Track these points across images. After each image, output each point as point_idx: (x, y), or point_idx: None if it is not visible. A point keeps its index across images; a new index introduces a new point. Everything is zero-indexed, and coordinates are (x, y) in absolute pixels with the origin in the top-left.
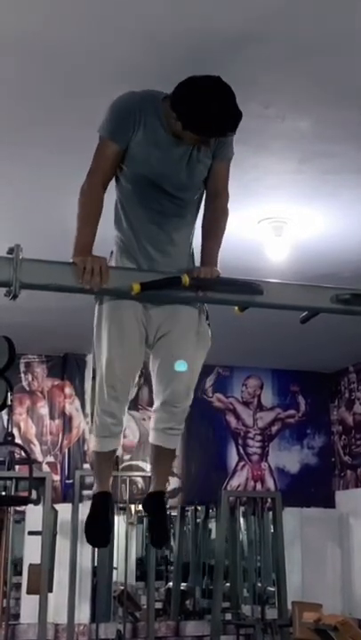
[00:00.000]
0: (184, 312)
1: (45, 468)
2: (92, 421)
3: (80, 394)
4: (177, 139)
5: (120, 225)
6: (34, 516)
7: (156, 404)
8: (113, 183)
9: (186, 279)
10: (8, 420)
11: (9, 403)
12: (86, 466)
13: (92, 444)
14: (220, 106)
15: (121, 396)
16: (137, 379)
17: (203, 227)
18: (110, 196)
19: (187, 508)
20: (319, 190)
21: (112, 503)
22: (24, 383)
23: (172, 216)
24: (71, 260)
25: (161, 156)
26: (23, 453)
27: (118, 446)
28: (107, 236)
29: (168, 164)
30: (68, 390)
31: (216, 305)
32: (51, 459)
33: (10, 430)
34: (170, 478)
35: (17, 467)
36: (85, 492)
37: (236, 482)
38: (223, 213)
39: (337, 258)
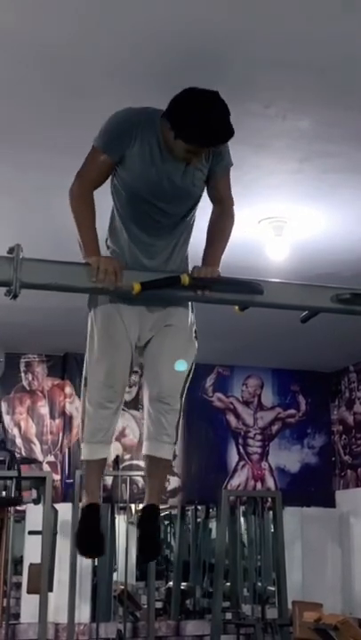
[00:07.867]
0: (178, 313)
1: (46, 467)
2: (81, 430)
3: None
4: (172, 154)
5: (114, 232)
6: (34, 515)
7: (146, 403)
8: (107, 190)
9: (185, 278)
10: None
11: None
12: None
13: (82, 453)
14: (213, 118)
15: (113, 397)
16: (130, 381)
17: (208, 231)
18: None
19: (187, 508)
20: (320, 190)
21: (100, 515)
22: (24, 382)
23: (167, 227)
24: (73, 261)
25: (155, 171)
26: (23, 453)
27: (108, 454)
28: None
29: (162, 178)
30: (68, 390)
31: (216, 304)
32: (51, 458)
33: (2, 437)
34: (170, 477)
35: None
36: None
37: (237, 481)
38: (228, 218)
39: (337, 257)
